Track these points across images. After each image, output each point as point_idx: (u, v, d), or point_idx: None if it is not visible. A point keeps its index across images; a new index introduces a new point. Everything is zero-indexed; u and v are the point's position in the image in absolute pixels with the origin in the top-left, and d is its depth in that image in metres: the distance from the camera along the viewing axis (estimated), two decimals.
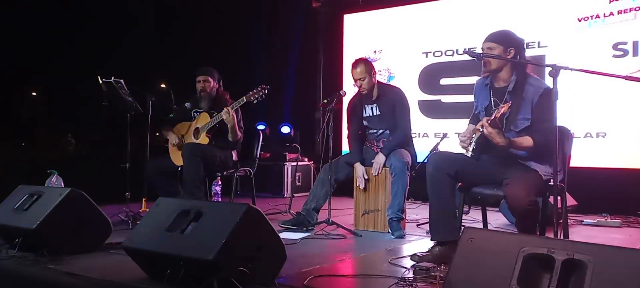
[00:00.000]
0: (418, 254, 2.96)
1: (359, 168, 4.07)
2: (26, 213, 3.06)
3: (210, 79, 4.41)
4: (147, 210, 4.07)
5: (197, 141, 4.31)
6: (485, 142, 2.94)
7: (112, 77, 4.14)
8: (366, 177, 4.05)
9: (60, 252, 2.89)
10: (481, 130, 2.81)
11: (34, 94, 27.11)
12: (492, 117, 2.78)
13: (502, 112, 2.76)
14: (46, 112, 26.40)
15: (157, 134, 4.98)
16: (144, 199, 4.39)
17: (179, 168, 4.26)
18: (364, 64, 4.06)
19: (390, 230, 3.84)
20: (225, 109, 4.17)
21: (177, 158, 4.32)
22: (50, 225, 2.94)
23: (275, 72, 7.41)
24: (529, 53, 5.32)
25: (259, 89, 4.15)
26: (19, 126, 24.56)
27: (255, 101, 4.18)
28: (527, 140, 2.86)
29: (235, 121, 4.24)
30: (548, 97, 2.85)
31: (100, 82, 4.14)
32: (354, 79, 4.08)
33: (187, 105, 4.47)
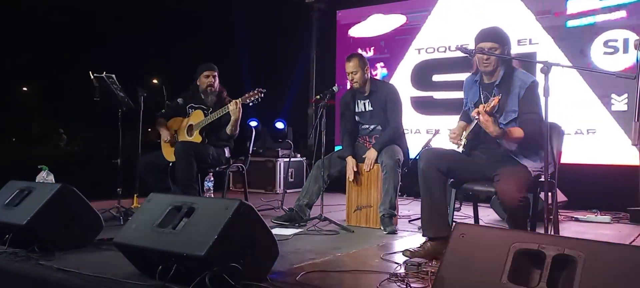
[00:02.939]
0: (410, 249, 2.97)
1: (350, 160, 4.08)
2: (17, 209, 3.04)
3: (216, 74, 4.41)
4: (139, 206, 4.06)
5: (190, 139, 4.29)
6: (477, 137, 2.96)
7: (104, 72, 4.11)
8: (355, 170, 4.05)
9: (51, 248, 2.87)
10: (476, 118, 2.83)
11: (25, 89, 26.93)
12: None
13: (492, 105, 2.78)
14: (38, 107, 26.24)
15: (150, 129, 4.96)
16: (135, 195, 4.37)
17: (171, 164, 4.25)
18: (358, 58, 4.07)
19: (382, 227, 3.85)
20: (233, 101, 4.16)
21: (169, 154, 4.31)
22: (41, 220, 2.92)
23: (268, 68, 7.40)
24: (520, 50, 5.36)
25: (255, 91, 4.16)
26: (10, 122, 24.39)
27: (250, 104, 4.18)
28: (518, 131, 2.89)
29: (240, 115, 4.23)
30: (534, 90, 2.89)
31: (92, 77, 4.11)
32: (347, 72, 4.09)
33: (180, 101, 4.46)
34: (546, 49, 5.32)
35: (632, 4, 4.99)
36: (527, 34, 5.47)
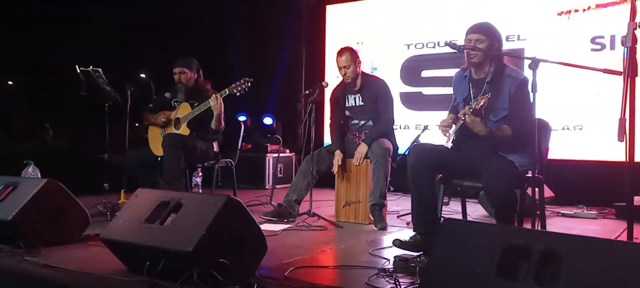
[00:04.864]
0: (399, 239, 2.98)
1: (337, 154, 4.07)
2: (2, 205, 3.01)
3: (186, 70, 4.36)
4: (126, 201, 4.03)
5: (178, 132, 4.27)
6: (465, 133, 2.97)
7: (90, 66, 4.07)
8: (340, 164, 4.04)
9: (36, 244, 2.84)
10: (463, 118, 2.84)
11: (10, 83, 26.60)
12: (473, 107, 2.81)
13: (481, 103, 2.79)
14: (23, 101, 25.92)
15: (137, 124, 4.93)
16: (122, 190, 4.34)
17: (159, 159, 4.22)
18: (350, 53, 4.07)
19: (372, 219, 3.84)
20: (214, 96, 4.12)
21: (156, 148, 4.28)
22: (27, 216, 2.89)
23: (257, 63, 7.37)
24: (509, 46, 5.39)
25: (242, 81, 4.13)
26: None
27: (237, 94, 4.15)
28: (506, 130, 2.90)
29: (222, 109, 4.20)
30: (525, 88, 2.90)
31: (78, 71, 4.07)
32: (338, 66, 4.09)
33: (167, 95, 4.43)
34: (534, 45, 5.35)
35: (619, 2, 5.03)
36: (516, 30, 5.50)
